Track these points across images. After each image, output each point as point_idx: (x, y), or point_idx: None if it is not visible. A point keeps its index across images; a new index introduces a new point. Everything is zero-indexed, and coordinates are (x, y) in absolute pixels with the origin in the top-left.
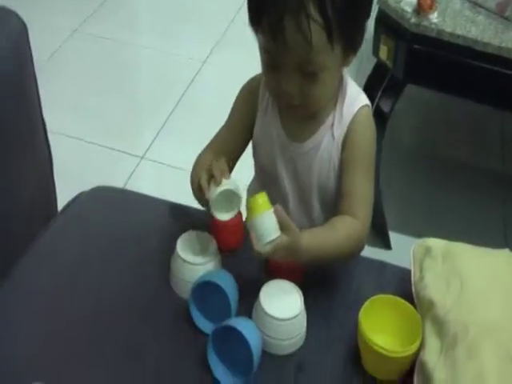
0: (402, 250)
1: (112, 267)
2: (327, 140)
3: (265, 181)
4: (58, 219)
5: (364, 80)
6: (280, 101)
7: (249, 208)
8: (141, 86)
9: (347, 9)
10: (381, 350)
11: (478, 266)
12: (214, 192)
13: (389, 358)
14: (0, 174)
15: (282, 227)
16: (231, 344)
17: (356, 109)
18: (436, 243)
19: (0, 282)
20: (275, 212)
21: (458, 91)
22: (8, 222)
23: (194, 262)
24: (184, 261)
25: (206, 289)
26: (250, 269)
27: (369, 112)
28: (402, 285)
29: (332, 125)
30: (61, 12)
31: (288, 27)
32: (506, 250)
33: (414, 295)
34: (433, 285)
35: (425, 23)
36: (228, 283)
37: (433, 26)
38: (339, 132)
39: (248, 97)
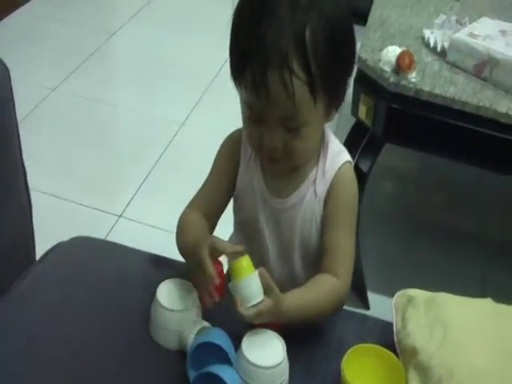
0: (381, 309)
1: (91, 314)
2: (310, 196)
3: (245, 234)
4: (36, 266)
5: (343, 139)
6: (262, 154)
7: (232, 270)
8: (119, 146)
9: (330, 65)
10: None
11: (461, 313)
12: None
13: None
14: None
15: (266, 291)
16: None
17: (338, 165)
18: (418, 293)
19: None
20: (260, 275)
21: (436, 150)
22: None
23: (173, 309)
24: (164, 308)
25: (204, 348)
26: (231, 318)
27: (351, 169)
28: (383, 335)
29: (314, 180)
30: (41, 69)
31: (271, 82)
32: (489, 299)
33: (397, 344)
34: (416, 333)
35: (403, 82)
36: (228, 345)
37: (411, 85)
38: (322, 188)
39: (230, 150)
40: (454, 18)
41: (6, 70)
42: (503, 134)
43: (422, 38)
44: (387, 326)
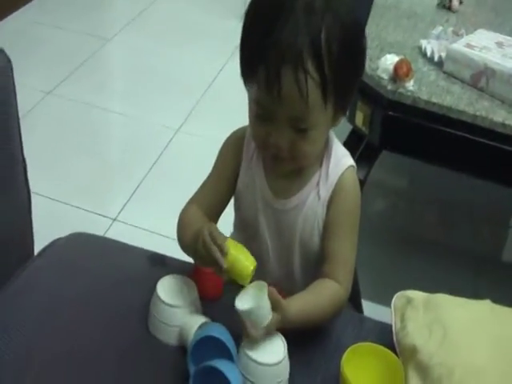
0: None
1: (89, 310)
2: (312, 199)
3: (245, 233)
4: (34, 261)
5: None
6: (266, 152)
7: (243, 293)
8: (114, 151)
9: (342, 68)
10: None
11: (460, 314)
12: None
13: None
14: None
15: (273, 306)
16: None
17: (342, 169)
18: (417, 294)
19: None
20: (269, 295)
21: (432, 158)
22: None
23: (173, 305)
24: (164, 303)
25: (205, 343)
26: (231, 316)
27: (354, 173)
28: (382, 336)
29: (318, 183)
30: (36, 74)
31: (284, 79)
32: (487, 301)
33: (396, 344)
34: (415, 332)
35: (401, 90)
36: (229, 339)
37: (409, 93)
38: (325, 191)
39: (233, 147)
40: (450, 29)
41: (9, 61)
42: (499, 144)
43: (419, 48)
44: (386, 328)
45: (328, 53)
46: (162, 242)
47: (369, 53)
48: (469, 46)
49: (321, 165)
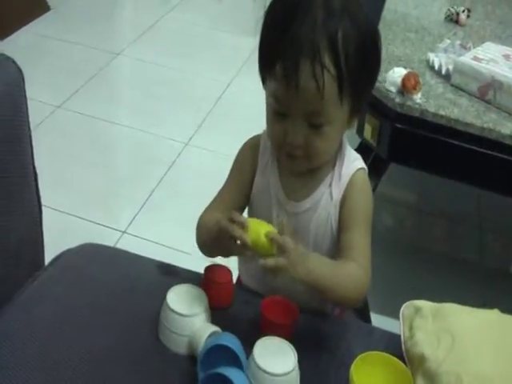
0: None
1: (99, 320)
2: (325, 200)
3: None
4: (44, 271)
5: None
6: (281, 151)
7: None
8: (123, 164)
9: (358, 68)
10: None
11: (468, 323)
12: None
13: None
14: None
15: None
16: None
17: (354, 170)
18: (425, 304)
19: None
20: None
21: (440, 170)
22: None
23: (183, 314)
24: (174, 312)
25: (216, 352)
26: (241, 325)
27: (365, 175)
28: (390, 346)
29: (330, 184)
30: (46, 87)
31: (302, 72)
32: (496, 310)
33: (404, 353)
34: (424, 341)
35: (409, 103)
36: (239, 348)
37: (416, 106)
38: (337, 192)
39: (248, 154)
40: (458, 42)
41: (20, 72)
42: (507, 156)
43: (427, 61)
44: (394, 337)
45: (344, 51)
46: (172, 255)
47: None
48: (476, 58)
49: (333, 167)
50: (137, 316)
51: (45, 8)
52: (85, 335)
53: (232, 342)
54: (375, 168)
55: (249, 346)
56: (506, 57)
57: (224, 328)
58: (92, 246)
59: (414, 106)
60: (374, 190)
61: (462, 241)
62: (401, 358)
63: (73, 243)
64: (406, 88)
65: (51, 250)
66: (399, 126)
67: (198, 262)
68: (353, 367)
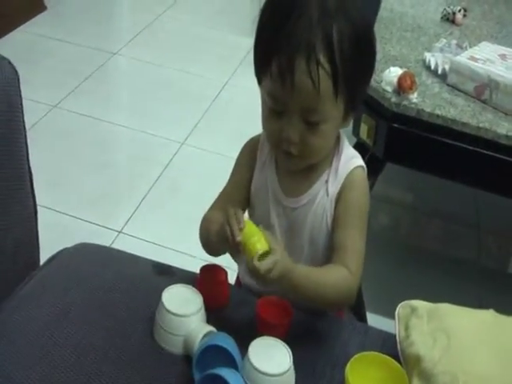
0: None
1: (95, 319)
2: (321, 196)
3: None
4: (40, 271)
5: None
6: (278, 149)
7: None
8: (119, 164)
9: (353, 64)
10: None
11: (464, 322)
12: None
13: None
14: None
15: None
16: None
17: (351, 168)
18: (421, 304)
19: None
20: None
21: (436, 170)
22: None
23: (179, 314)
24: (169, 312)
25: (211, 352)
26: (236, 325)
27: (363, 173)
28: (386, 345)
29: (327, 181)
30: (42, 87)
31: (297, 69)
32: (491, 310)
33: (400, 353)
34: (419, 341)
35: (405, 103)
36: (234, 348)
37: (413, 105)
38: (333, 188)
39: (248, 153)
40: (454, 42)
41: (16, 73)
42: (503, 156)
43: (423, 61)
44: (390, 337)
45: (339, 48)
46: (168, 255)
47: None
48: (472, 58)
49: (330, 164)
50: (132, 316)
51: (41, 8)
52: (80, 335)
53: (227, 342)
54: (371, 168)
55: (244, 346)
56: (503, 57)
57: (219, 328)
58: (88, 246)
59: (410, 106)
60: (370, 189)
61: (459, 240)
62: (396, 357)
63: (69, 243)
64: (402, 88)
65: (47, 249)
66: (395, 125)
67: (193, 262)
68: (348, 368)
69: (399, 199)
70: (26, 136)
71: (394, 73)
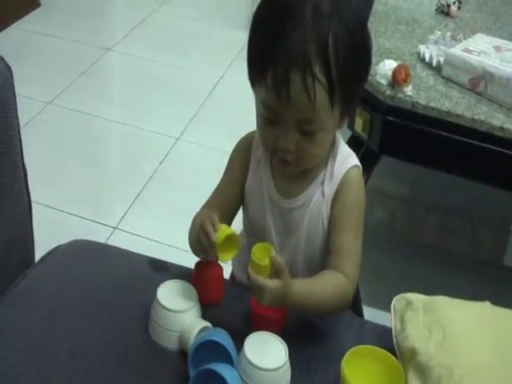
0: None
1: (90, 316)
2: (317, 197)
3: (252, 233)
4: (35, 268)
5: None
6: (274, 156)
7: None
8: (114, 159)
9: (349, 71)
10: None
11: (459, 315)
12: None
13: None
14: None
15: (276, 272)
16: None
17: (347, 168)
18: (416, 297)
19: None
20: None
21: (431, 163)
22: None
23: (174, 310)
24: (164, 308)
25: (206, 347)
26: (231, 320)
27: (359, 172)
28: (381, 339)
29: (322, 182)
30: (36, 83)
31: (293, 82)
32: (487, 302)
33: (396, 347)
34: (415, 334)
35: (400, 96)
36: (230, 344)
37: (407, 98)
38: (329, 189)
39: (241, 152)
40: (448, 34)
41: (9, 69)
42: (497, 147)
43: (418, 54)
44: (386, 331)
45: (335, 58)
46: (163, 250)
47: None
48: (467, 50)
49: (326, 164)
50: (128, 312)
51: (35, 4)
52: (75, 331)
53: (222, 337)
54: (366, 161)
55: (239, 341)
56: (497, 48)
57: (215, 323)
58: (83, 243)
59: (404, 99)
60: (365, 183)
61: (454, 233)
62: (393, 351)
63: (63, 239)
64: (396, 80)
65: (42, 246)
66: (390, 118)
67: (188, 258)
68: (344, 361)
69: (394, 192)
70: (20, 133)
71: (388, 66)
